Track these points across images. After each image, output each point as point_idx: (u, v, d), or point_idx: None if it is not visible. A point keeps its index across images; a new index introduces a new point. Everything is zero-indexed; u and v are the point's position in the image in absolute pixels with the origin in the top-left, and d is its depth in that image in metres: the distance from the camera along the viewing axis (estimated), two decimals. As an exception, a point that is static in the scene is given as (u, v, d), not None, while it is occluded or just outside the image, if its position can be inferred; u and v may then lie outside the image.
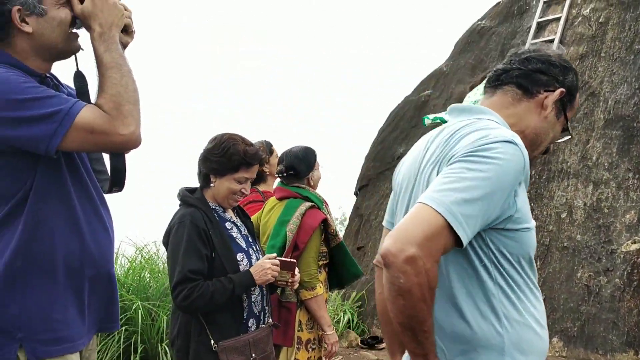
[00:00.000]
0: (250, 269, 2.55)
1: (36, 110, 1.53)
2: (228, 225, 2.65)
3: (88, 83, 1.77)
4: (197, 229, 2.47)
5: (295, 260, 2.80)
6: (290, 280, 2.73)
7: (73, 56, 1.77)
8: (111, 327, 1.87)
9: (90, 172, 1.80)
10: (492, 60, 8.04)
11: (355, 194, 8.54)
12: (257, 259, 2.67)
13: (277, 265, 2.62)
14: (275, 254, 2.72)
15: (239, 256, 2.58)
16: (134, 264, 5.05)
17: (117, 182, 1.83)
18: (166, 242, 2.59)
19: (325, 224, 3.21)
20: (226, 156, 2.59)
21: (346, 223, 11.35)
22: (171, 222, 2.59)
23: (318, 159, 3.41)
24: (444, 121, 6.52)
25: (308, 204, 3.20)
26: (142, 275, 4.89)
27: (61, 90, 1.75)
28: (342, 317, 6.47)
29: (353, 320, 6.62)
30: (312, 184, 3.36)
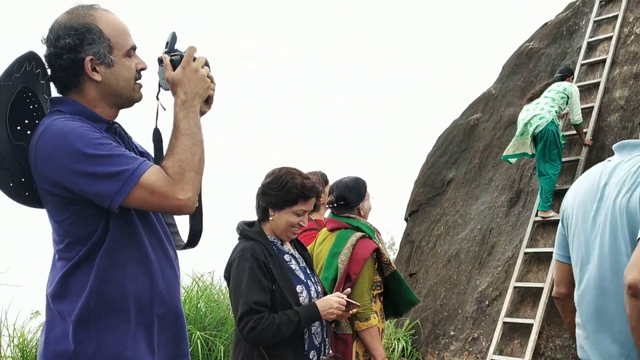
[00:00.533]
0: (317, 303, 2.58)
1: (106, 168, 1.61)
2: (287, 257, 2.70)
3: (164, 141, 1.85)
4: (258, 261, 2.53)
5: (358, 304, 2.81)
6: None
7: (155, 112, 1.86)
8: None
9: (158, 215, 1.88)
10: (541, 82, 7.93)
11: (406, 219, 8.50)
12: (316, 290, 2.71)
13: (343, 304, 2.65)
14: (343, 294, 2.75)
15: (299, 288, 2.63)
16: (190, 294, 5.16)
17: (192, 241, 1.94)
18: (227, 276, 2.65)
19: (378, 253, 3.22)
20: (284, 190, 2.65)
21: (394, 248, 11.25)
22: (232, 256, 2.66)
23: (368, 190, 3.44)
24: (528, 155, 6.51)
25: (359, 234, 3.22)
26: (198, 305, 4.99)
27: (125, 140, 1.85)
28: (396, 346, 6.41)
29: (407, 349, 6.55)
30: (362, 214, 3.38)
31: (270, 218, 2.71)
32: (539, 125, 6.35)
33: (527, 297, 6.16)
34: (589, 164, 6.53)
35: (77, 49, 1.72)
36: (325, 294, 2.83)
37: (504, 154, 6.78)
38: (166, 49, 1.83)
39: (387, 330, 6.77)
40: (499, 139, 7.90)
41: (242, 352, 2.58)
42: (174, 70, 1.77)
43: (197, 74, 1.76)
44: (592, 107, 6.95)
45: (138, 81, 1.84)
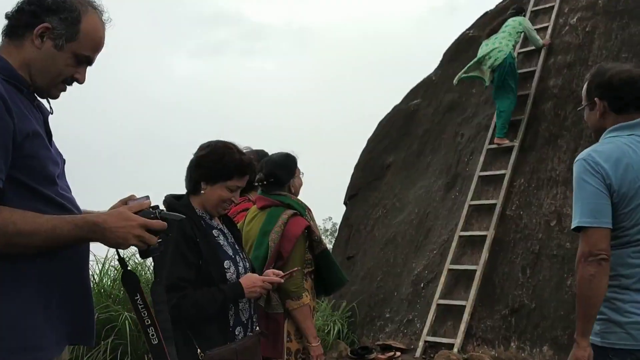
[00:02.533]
0: (242, 281, 2.51)
1: None
2: (215, 232, 2.62)
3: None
4: (184, 235, 2.43)
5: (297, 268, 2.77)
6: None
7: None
8: (85, 341, 1.82)
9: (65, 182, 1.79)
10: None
11: (345, 203, 8.51)
12: (244, 267, 2.64)
13: (269, 282, 2.59)
14: (277, 271, 2.69)
15: (226, 264, 2.55)
16: (118, 274, 4.99)
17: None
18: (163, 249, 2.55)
19: (309, 231, 3.17)
20: (220, 164, 2.56)
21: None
22: None
23: (299, 166, 3.37)
24: (482, 79, 7.04)
25: (290, 211, 3.16)
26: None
27: (45, 113, 1.78)
28: (332, 328, 6.41)
29: (343, 331, 6.57)
30: (293, 191, 3.31)
31: (201, 192, 2.61)
32: (497, 58, 6.84)
33: (460, 280, 6.26)
34: (523, 149, 6.68)
35: (47, 12, 1.69)
36: (254, 271, 2.76)
37: (457, 76, 7.20)
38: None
39: (323, 312, 6.76)
40: (438, 124, 7.98)
41: None
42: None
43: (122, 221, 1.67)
44: (527, 95, 7.10)
45: (65, 84, 1.78)
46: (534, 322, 5.55)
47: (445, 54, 9.07)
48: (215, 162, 2.56)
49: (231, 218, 2.86)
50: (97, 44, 1.78)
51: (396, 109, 8.90)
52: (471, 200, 6.67)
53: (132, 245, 1.72)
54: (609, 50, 6.76)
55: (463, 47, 8.65)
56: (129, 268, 1.96)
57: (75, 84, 1.80)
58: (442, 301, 6.16)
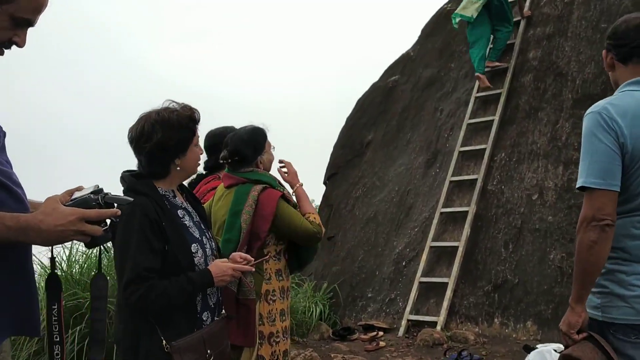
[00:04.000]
0: (211, 269, 2.35)
1: None
2: (180, 213, 2.45)
3: None
4: (148, 220, 2.26)
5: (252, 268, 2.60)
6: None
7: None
8: (30, 331, 1.67)
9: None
10: (459, 44, 7.92)
11: (325, 183, 8.37)
12: (210, 248, 2.49)
13: (239, 270, 2.44)
14: (245, 255, 2.53)
15: (193, 247, 2.39)
16: (88, 260, 4.80)
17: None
18: (113, 237, 2.36)
19: (285, 199, 3.02)
20: (184, 128, 2.40)
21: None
22: None
23: (269, 139, 3.20)
24: (467, 18, 6.99)
25: (259, 186, 2.99)
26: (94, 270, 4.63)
27: None
28: (314, 309, 6.30)
29: (325, 312, 6.46)
30: (262, 168, 3.13)
31: (177, 169, 2.43)
32: None
33: (442, 257, 6.17)
34: (503, 123, 6.58)
35: None
36: (219, 251, 2.60)
37: (454, 12, 7.21)
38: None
39: (305, 294, 6.65)
40: (417, 100, 7.84)
41: (127, 319, 2.32)
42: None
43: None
44: (507, 68, 6.98)
45: (2, 48, 1.63)
46: (517, 297, 5.48)
47: (423, 29, 8.91)
48: (179, 129, 2.39)
49: (194, 194, 2.69)
50: (38, 5, 1.62)
51: (374, 86, 8.74)
52: (452, 176, 6.57)
53: (73, 240, 1.59)
54: (588, 20, 6.65)
55: (442, 22, 8.48)
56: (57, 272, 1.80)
57: (14, 48, 1.64)
58: (424, 279, 6.07)
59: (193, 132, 2.45)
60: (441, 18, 8.59)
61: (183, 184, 2.63)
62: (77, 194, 1.63)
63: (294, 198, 3.14)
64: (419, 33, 8.97)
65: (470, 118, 6.89)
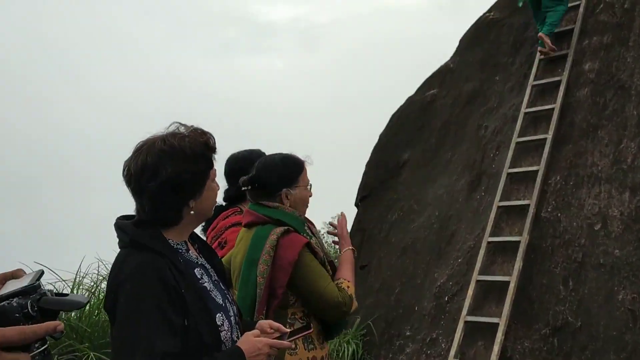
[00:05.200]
0: (242, 347, 1.75)
1: None
2: (197, 272, 1.87)
3: None
4: (165, 287, 1.68)
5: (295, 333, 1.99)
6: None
7: None
8: None
9: None
10: (503, 55, 7.28)
11: (357, 205, 7.76)
12: (234, 314, 1.91)
13: (276, 349, 1.84)
14: (278, 325, 1.92)
15: (218, 318, 1.81)
16: (92, 305, 4.22)
17: None
18: (112, 306, 1.74)
19: (310, 250, 2.40)
20: (200, 159, 1.84)
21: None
22: (118, 276, 1.76)
23: (309, 176, 2.59)
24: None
25: (280, 229, 2.39)
26: (98, 317, 4.03)
27: None
28: (345, 349, 5.67)
29: (358, 352, 5.83)
30: (289, 205, 2.52)
31: (191, 212, 1.86)
32: None
33: (491, 293, 5.50)
34: (557, 142, 5.91)
35: None
36: (241, 316, 2.01)
37: None
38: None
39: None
40: (457, 116, 7.22)
41: None
42: None
43: None
44: (559, 81, 6.31)
45: None
46: (580, 343, 4.78)
47: (462, 40, 8.30)
48: (193, 162, 1.82)
49: (206, 243, 2.11)
50: None
51: (410, 100, 8.13)
52: (500, 200, 5.91)
53: None
54: (652, 28, 5.97)
55: (483, 31, 7.86)
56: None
57: None
58: (470, 318, 5.40)
59: (210, 164, 1.89)
60: (482, 27, 7.97)
61: (194, 232, 2.06)
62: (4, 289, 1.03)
63: (336, 259, 2.53)
64: (446, 38, 8.39)
65: (519, 136, 6.23)
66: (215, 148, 1.90)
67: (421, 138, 7.42)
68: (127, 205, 1.85)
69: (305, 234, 2.40)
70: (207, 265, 1.94)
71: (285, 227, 2.38)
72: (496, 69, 7.23)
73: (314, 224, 2.60)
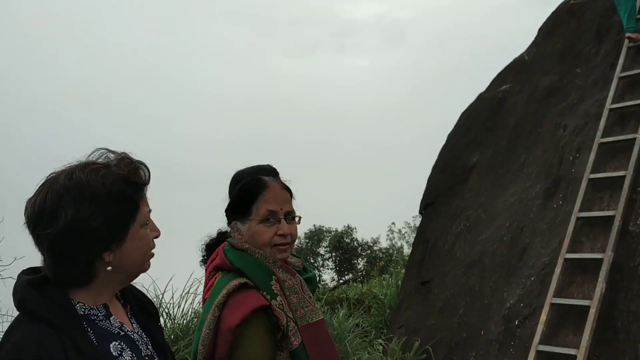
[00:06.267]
0: None
1: None
2: (115, 347, 1.43)
3: None
4: None
5: None
6: None
7: None
8: None
9: None
10: (586, 44, 6.47)
11: (421, 213, 7.17)
12: None
13: None
14: None
15: None
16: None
17: None
18: None
19: (266, 313, 1.85)
20: (118, 198, 1.41)
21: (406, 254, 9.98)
22: None
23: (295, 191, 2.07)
24: None
25: (236, 282, 1.87)
26: None
27: None
28: (401, 376, 5.14)
29: (416, 379, 5.28)
30: (245, 237, 1.99)
31: (108, 268, 1.44)
32: None
33: (568, 318, 4.80)
34: (648, 144, 5.09)
35: None
36: None
37: None
38: None
39: (393, 354, 5.49)
40: (533, 114, 6.48)
41: None
42: None
43: None
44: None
45: None
46: (676, 385, 4.02)
47: (541, 29, 7.53)
48: (105, 206, 1.39)
49: (148, 300, 1.67)
50: None
51: (481, 97, 7.45)
52: (579, 211, 5.17)
53: None
54: None
55: (564, 19, 7.06)
56: None
57: None
58: (543, 347, 4.72)
59: (135, 204, 1.45)
60: (563, 14, 7.16)
61: (131, 287, 1.62)
62: None
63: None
64: (535, 33, 7.60)
65: (603, 136, 5.45)
66: (142, 181, 1.46)
67: (491, 139, 6.73)
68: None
69: (267, 292, 1.89)
70: (138, 336, 1.50)
71: (243, 281, 1.89)
72: (577, 60, 6.44)
73: (295, 273, 2.02)
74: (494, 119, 6.90)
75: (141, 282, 5.13)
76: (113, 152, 1.50)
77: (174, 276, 5.53)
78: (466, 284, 5.82)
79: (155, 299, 5.07)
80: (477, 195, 6.43)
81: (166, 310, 4.97)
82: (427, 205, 7.04)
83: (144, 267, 1.50)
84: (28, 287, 1.39)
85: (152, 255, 1.52)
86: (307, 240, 22.26)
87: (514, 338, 5.10)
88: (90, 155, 1.48)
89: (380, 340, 6.17)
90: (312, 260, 21.74)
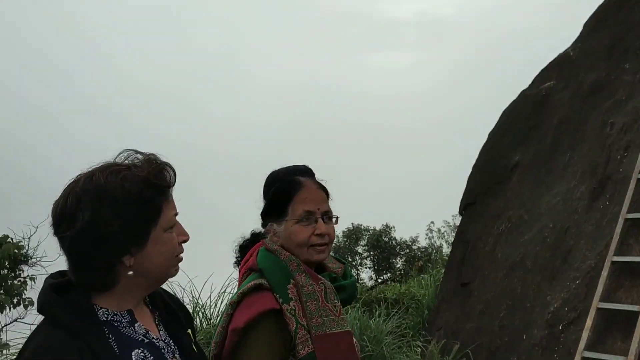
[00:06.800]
0: None
1: None
2: (137, 355, 1.40)
3: None
4: None
5: None
6: None
7: None
8: None
9: None
10: (635, 38, 6.22)
11: (460, 213, 7.02)
12: None
13: None
14: None
15: None
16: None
17: None
18: None
19: (276, 317, 1.79)
20: (139, 201, 1.37)
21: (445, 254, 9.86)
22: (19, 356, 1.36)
23: (331, 194, 2.02)
24: None
25: (253, 283, 1.84)
26: None
27: None
28: (440, 380, 5.03)
29: (455, 384, 5.16)
30: (281, 240, 1.93)
31: (129, 273, 1.41)
32: None
33: (615, 324, 4.62)
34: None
35: None
36: None
37: None
38: None
39: (432, 357, 5.38)
40: (578, 112, 6.28)
41: None
42: None
43: None
44: None
45: None
46: None
47: (586, 24, 7.29)
48: (125, 209, 1.35)
49: (181, 305, 1.63)
50: None
51: (523, 94, 7.26)
52: (628, 212, 4.97)
53: None
54: None
55: (611, 12, 6.81)
56: None
57: None
58: (589, 354, 4.55)
59: (156, 207, 1.40)
60: (611, 7, 6.91)
61: (161, 292, 1.59)
62: None
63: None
64: (580, 28, 7.37)
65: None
66: (166, 184, 1.41)
67: (534, 138, 6.55)
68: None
69: (281, 295, 1.82)
70: (164, 343, 1.46)
71: (259, 282, 1.83)
72: (625, 55, 6.21)
73: (320, 278, 1.94)
74: (536, 117, 6.71)
75: (177, 281, 5.14)
76: (141, 153, 1.46)
77: (213, 274, 5.53)
78: (507, 287, 5.66)
79: (191, 300, 5.08)
80: (518, 195, 6.26)
81: (202, 311, 4.96)
82: (467, 205, 6.90)
83: (169, 272, 1.46)
84: (50, 291, 1.38)
85: (179, 260, 1.48)
86: (345, 239, 22.21)
87: (558, 343, 4.94)
88: (117, 157, 1.45)
89: (418, 343, 6.06)
90: (350, 259, 21.68)
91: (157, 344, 1.45)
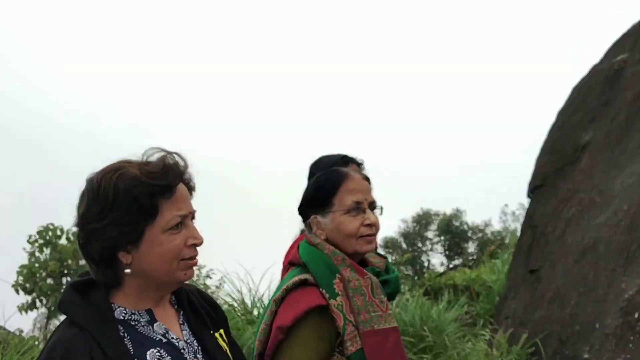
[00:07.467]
0: None
1: None
2: (153, 354, 1.39)
3: None
4: None
5: None
6: None
7: None
8: None
9: None
10: None
11: (529, 196, 6.74)
12: None
13: None
14: None
15: None
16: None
17: None
18: None
19: (323, 313, 1.74)
20: (132, 199, 1.36)
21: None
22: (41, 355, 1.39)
23: (373, 184, 1.96)
24: None
25: (297, 278, 1.80)
26: None
27: None
28: (507, 369, 4.85)
29: (523, 374, 4.97)
30: (321, 237, 1.89)
31: (126, 270, 1.41)
32: None
33: (698, 312, 4.30)
34: None
35: None
36: None
37: None
38: None
39: (499, 347, 5.21)
40: (654, 86, 5.86)
41: None
42: None
43: None
44: None
45: None
46: None
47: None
48: (114, 207, 1.35)
49: (211, 302, 1.62)
50: None
51: (595, 69, 6.86)
52: None
53: None
54: None
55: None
56: None
57: None
58: (668, 344, 4.26)
59: (151, 207, 1.38)
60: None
61: (187, 292, 1.58)
62: None
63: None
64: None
65: None
66: (171, 182, 1.39)
67: (607, 115, 6.17)
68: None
69: (327, 290, 1.76)
70: (185, 343, 1.44)
71: (303, 277, 1.78)
72: None
73: (365, 273, 1.87)
74: (609, 93, 6.32)
75: (237, 272, 5.17)
76: (165, 151, 1.45)
77: (274, 265, 5.53)
78: (579, 273, 5.38)
79: (249, 290, 5.09)
80: (590, 176, 5.93)
81: (261, 302, 4.97)
82: (535, 188, 6.60)
83: (174, 275, 1.42)
84: (69, 289, 1.43)
85: (189, 264, 1.44)
86: (415, 224, 21.95)
87: (634, 333, 4.65)
88: (143, 154, 1.46)
89: (486, 331, 5.88)
90: (420, 245, 21.41)
91: (177, 344, 1.44)
